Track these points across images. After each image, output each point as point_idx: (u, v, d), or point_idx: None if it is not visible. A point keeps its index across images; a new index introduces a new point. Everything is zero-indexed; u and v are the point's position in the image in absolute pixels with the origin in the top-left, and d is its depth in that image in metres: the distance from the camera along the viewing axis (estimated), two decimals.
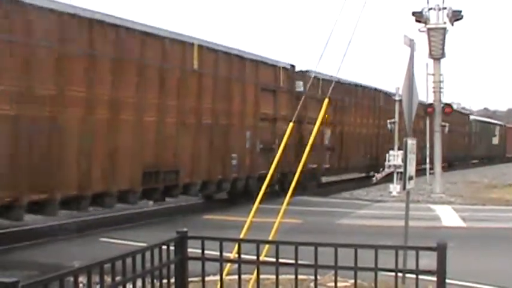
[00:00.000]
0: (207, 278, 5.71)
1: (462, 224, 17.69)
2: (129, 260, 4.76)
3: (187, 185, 18.17)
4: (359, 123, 31.95)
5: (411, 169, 9.55)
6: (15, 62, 12.69)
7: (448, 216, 19.10)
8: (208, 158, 18.96)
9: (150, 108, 16.40)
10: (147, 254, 5.02)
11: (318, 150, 25.82)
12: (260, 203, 8.43)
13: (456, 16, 25.72)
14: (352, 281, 5.44)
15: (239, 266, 5.56)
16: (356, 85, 31.48)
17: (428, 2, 25.80)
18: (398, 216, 12.47)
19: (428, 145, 30.54)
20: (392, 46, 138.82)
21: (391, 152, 27.51)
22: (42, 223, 15.35)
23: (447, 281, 5.13)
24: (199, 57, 18.28)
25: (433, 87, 26.89)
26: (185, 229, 5.54)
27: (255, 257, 5.52)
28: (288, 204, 8.49)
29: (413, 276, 5.31)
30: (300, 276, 5.45)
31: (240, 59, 20.63)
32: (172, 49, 17.36)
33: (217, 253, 5.55)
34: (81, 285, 4.26)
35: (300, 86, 23.72)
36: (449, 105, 28.20)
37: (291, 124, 9.55)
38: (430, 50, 26.02)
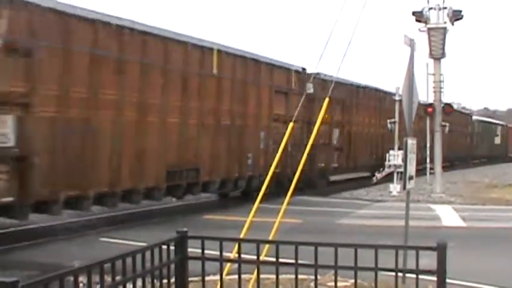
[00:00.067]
0: (207, 278, 5.71)
1: (462, 223, 17.69)
2: (129, 260, 4.76)
3: (206, 183, 19.18)
4: (367, 123, 32.45)
5: (411, 169, 9.55)
6: (56, 67, 13.45)
7: (448, 216, 19.10)
8: (227, 157, 19.93)
9: (173, 110, 17.37)
10: (147, 254, 5.02)
11: (327, 150, 25.97)
12: (260, 202, 8.43)
13: (456, 16, 25.70)
14: (352, 280, 5.44)
15: (239, 266, 5.56)
16: (364, 87, 32.14)
17: (428, 2, 25.82)
18: (399, 216, 12.48)
19: (428, 145, 30.52)
20: (393, 46, 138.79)
21: (391, 152, 27.50)
22: (42, 223, 15.35)
23: (447, 280, 5.12)
24: (218, 61, 19.17)
25: (433, 87, 26.88)
26: (185, 229, 5.54)
27: (255, 257, 5.52)
28: (288, 204, 8.50)
29: (414, 276, 5.30)
30: (300, 276, 5.44)
31: (255, 63, 21.56)
32: (194, 53, 18.20)
33: (217, 253, 5.55)
34: (81, 285, 4.26)
35: (310, 88, 24.14)
36: (449, 105, 28.20)
37: (291, 124, 9.58)
38: (430, 50, 26.00)
